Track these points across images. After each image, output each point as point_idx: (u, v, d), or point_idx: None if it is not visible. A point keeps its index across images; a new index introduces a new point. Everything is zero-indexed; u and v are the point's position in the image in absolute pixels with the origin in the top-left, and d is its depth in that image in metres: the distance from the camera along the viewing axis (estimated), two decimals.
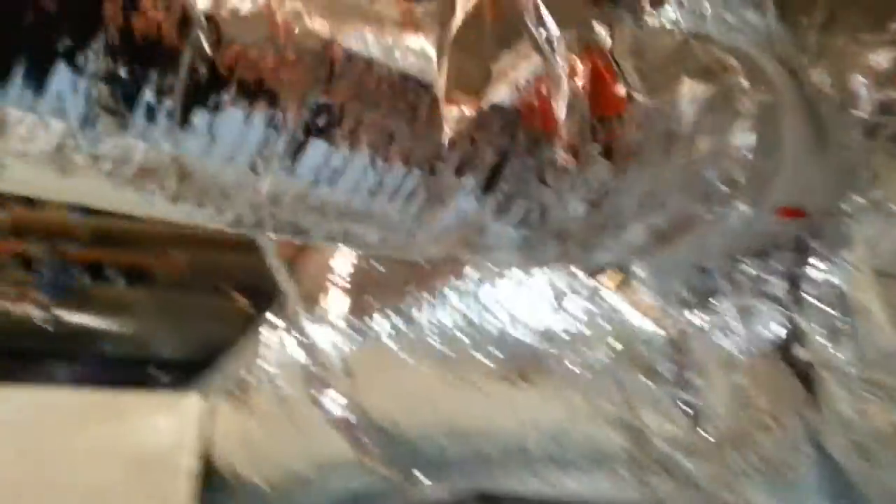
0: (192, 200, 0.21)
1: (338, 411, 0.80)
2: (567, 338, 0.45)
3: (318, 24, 0.20)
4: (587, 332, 0.44)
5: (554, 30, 0.26)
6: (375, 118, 0.21)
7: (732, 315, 0.36)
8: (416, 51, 0.22)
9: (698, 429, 0.38)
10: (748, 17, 0.36)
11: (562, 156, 0.25)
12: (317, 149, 0.21)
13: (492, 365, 0.51)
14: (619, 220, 0.30)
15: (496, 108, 0.24)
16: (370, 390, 0.69)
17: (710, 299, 0.37)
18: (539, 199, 0.26)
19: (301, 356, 0.83)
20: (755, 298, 0.35)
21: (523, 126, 0.24)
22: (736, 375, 0.36)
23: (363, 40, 0.21)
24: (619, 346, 0.42)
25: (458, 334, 0.54)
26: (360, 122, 0.21)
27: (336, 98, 0.21)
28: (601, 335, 0.43)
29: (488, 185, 0.24)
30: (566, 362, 0.45)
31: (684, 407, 0.38)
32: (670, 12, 0.41)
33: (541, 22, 0.26)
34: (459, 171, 0.23)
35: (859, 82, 0.29)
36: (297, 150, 0.21)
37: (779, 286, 0.34)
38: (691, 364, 0.38)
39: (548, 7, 0.27)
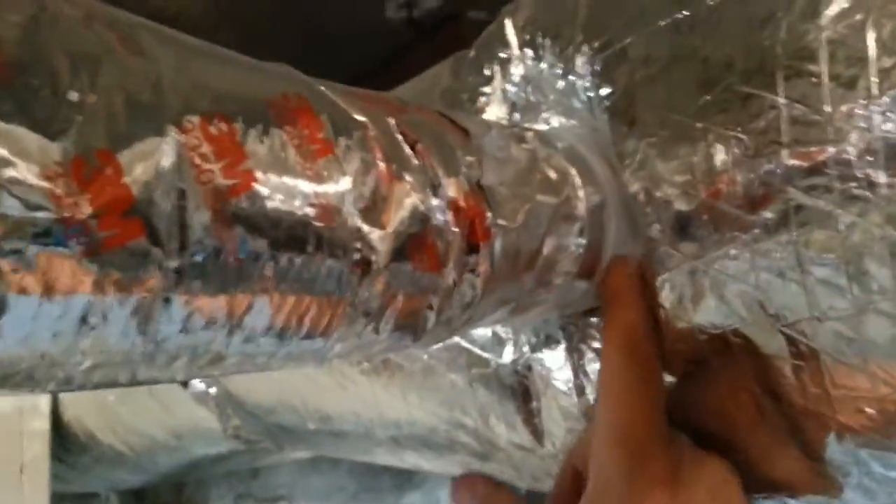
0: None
1: (201, 388, 0.82)
2: (437, 357, 0.51)
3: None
4: (451, 355, 0.49)
5: (435, 174, 0.30)
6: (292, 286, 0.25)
7: (564, 358, 0.43)
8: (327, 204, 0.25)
9: (542, 443, 0.46)
10: (582, 113, 0.42)
11: (443, 287, 0.30)
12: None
13: (361, 369, 0.56)
14: (484, 312, 0.35)
15: (395, 262, 0.28)
16: (236, 377, 0.72)
17: (550, 344, 0.44)
18: (424, 318, 0.30)
19: None
20: (583, 346, 0.42)
21: (415, 271, 0.29)
22: (568, 406, 0.43)
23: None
24: (478, 371, 0.48)
25: None
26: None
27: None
28: (465, 360, 0.49)
29: (387, 324, 0.28)
30: (433, 377, 0.51)
31: (530, 426, 0.46)
32: (500, 106, 0.46)
33: (425, 167, 0.30)
34: (366, 315, 0.27)
35: (662, 199, 0.35)
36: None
37: (599, 340, 0.41)
38: (536, 394, 0.45)
39: (430, 150, 0.31)
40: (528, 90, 0.47)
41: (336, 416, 0.61)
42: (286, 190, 0.23)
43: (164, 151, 0.19)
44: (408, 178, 0.29)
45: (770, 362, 0.31)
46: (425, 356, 0.50)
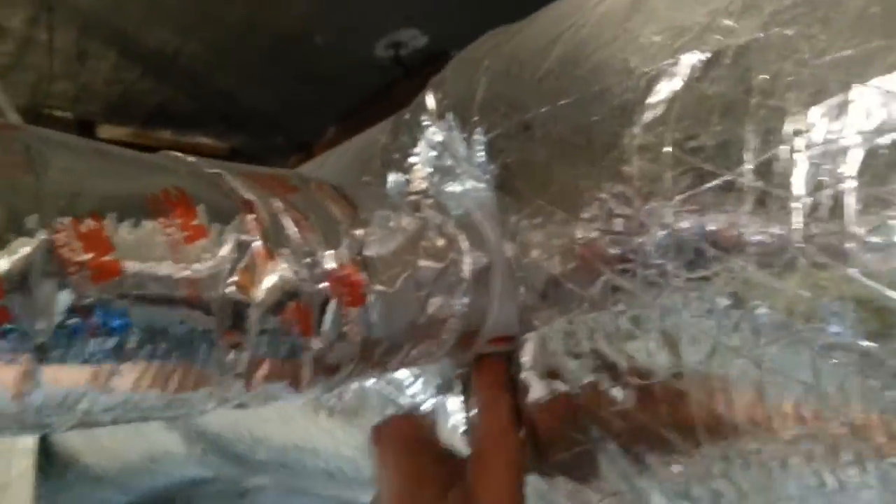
0: None
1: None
2: (359, 397, 0.54)
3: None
4: (370, 396, 0.53)
5: (314, 247, 0.35)
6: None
7: (459, 404, 0.47)
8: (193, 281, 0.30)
9: None
10: (483, 181, 0.46)
11: (316, 348, 0.34)
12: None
13: (298, 406, 0.60)
14: (372, 362, 0.39)
15: (265, 328, 0.32)
16: None
17: (451, 389, 0.48)
18: (299, 374, 0.34)
19: None
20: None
21: (286, 336, 0.33)
22: (461, 449, 0.47)
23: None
24: (392, 412, 0.52)
25: None
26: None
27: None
28: (380, 400, 0.52)
29: (258, 382, 0.32)
30: (356, 416, 0.55)
31: None
32: (424, 167, 0.51)
33: (305, 241, 0.34)
34: (236, 376, 0.31)
35: (528, 266, 0.39)
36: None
37: None
38: (437, 434, 0.49)
39: (313, 226, 0.35)
40: (444, 155, 0.51)
41: (279, 449, 0.65)
42: (152, 273, 0.27)
43: (33, 250, 0.24)
44: (284, 252, 0.33)
45: (603, 421, 0.34)
46: (349, 397, 0.54)
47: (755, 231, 0.26)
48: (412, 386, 0.50)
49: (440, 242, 0.41)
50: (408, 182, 0.55)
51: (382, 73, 1.61)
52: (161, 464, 0.98)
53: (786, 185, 0.25)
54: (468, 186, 0.50)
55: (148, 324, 0.27)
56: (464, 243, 0.42)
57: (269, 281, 0.32)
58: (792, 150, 0.25)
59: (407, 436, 0.39)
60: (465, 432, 0.45)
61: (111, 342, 0.26)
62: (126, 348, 0.26)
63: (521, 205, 0.39)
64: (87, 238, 0.25)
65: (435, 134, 0.52)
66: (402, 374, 0.52)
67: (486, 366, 0.40)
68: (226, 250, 0.30)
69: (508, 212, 0.41)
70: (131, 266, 0.26)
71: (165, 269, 0.27)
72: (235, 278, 0.30)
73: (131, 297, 0.26)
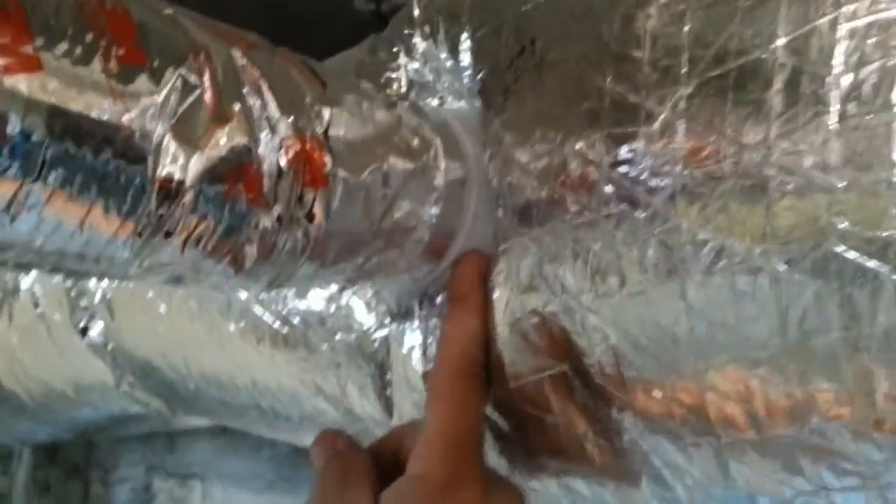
0: None
1: (99, 340, 0.80)
2: (305, 321, 0.50)
3: None
4: (319, 320, 0.49)
5: (273, 111, 0.30)
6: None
7: (418, 330, 0.43)
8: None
9: (391, 415, 0.46)
10: (465, 94, 0.42)
11: (266, 223, 0.30)
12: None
13: (238, 329, 0.56)
14: (325, 260, 0.35)
15: (206, 185, 0.27)
16: (128, 330, 0.71)
17: (409, 316, 0.44)
18: (243, 251, 0.30)
19: (67, 282, 0.81)
20: (436, 322, 0.42)
21: (231, 201, 0.28)
22: (415, 379, 0.43)
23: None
24: (342, 337, 0.48)
25: (210, 295, 0.58)
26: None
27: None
28: (330, 325, 0.48)
29: (196, 247, 0.28)
30: (301, 341, 0.51)
31: (382, 397, 0.46)
32: (403, 80, 0.47)
33: (263, 103, 0.30)
34: (167, 234, 0.27)
35: (511, 184, 0.35)
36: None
37: None
38: (390, 365, 0.45)
39: (273, 89, 0.31)
40: (425, 69, 0.47)
41: (213, 378, 0.60)
42: (76, 84, 0.23)
43: None
44: (237, 109, 0.29)
45: (576, 341, 0.31)
46: (296, 320, 0.50)
47: (781, 114, 0.23)
48: (365, 313, 0.46)
49: (414, 142, 0.37)
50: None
51: (361, 28, 1.55)
52: (86, 394, 0.92)
53: (823, 62, 0.22)
54: (448, 103, 0.46)
55: (64, 148, 0.23)
56: (439, 150, 0.38)
57: (216, 137, 0.27)
58: (833, 23, 0.22)
59: (338, 441, 0.36)
60: (422, 352, 0.42)
61: (16, 156, 0.21)
62: (34, 168, 0.22)
63: (506, 114, 0.36)
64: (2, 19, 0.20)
65: (418, 44, 0.47)
66: (355, 300, 0.48)
67: (469, 257, 0.37)
68: (167, 88, 0.26)
69: (492, 125, 0.37)
70: (54, 68, 0.22)
71: (91, 91, 0.23)
72: (175, 123, 0.26)
73: (46, 107, 0.22)
